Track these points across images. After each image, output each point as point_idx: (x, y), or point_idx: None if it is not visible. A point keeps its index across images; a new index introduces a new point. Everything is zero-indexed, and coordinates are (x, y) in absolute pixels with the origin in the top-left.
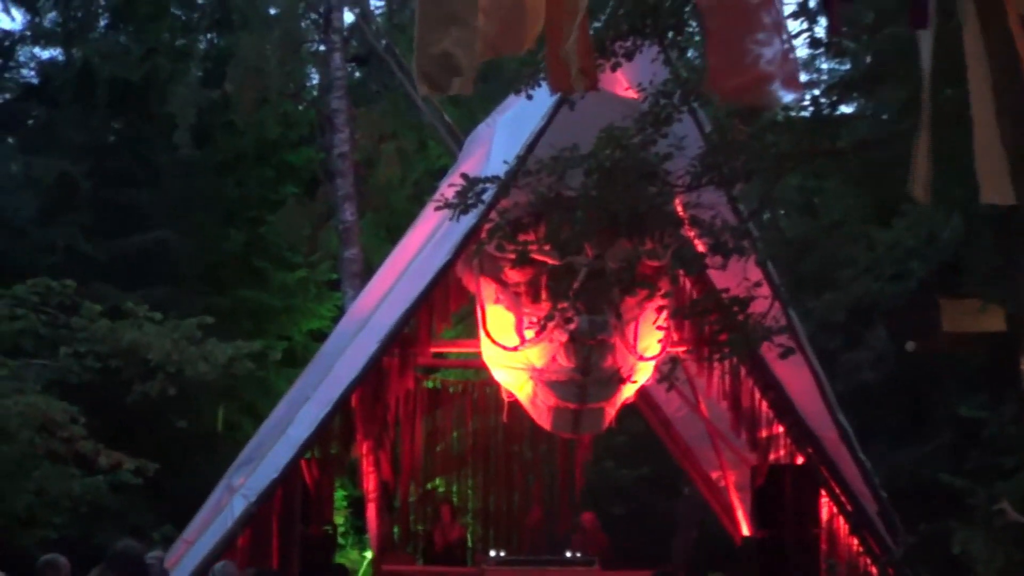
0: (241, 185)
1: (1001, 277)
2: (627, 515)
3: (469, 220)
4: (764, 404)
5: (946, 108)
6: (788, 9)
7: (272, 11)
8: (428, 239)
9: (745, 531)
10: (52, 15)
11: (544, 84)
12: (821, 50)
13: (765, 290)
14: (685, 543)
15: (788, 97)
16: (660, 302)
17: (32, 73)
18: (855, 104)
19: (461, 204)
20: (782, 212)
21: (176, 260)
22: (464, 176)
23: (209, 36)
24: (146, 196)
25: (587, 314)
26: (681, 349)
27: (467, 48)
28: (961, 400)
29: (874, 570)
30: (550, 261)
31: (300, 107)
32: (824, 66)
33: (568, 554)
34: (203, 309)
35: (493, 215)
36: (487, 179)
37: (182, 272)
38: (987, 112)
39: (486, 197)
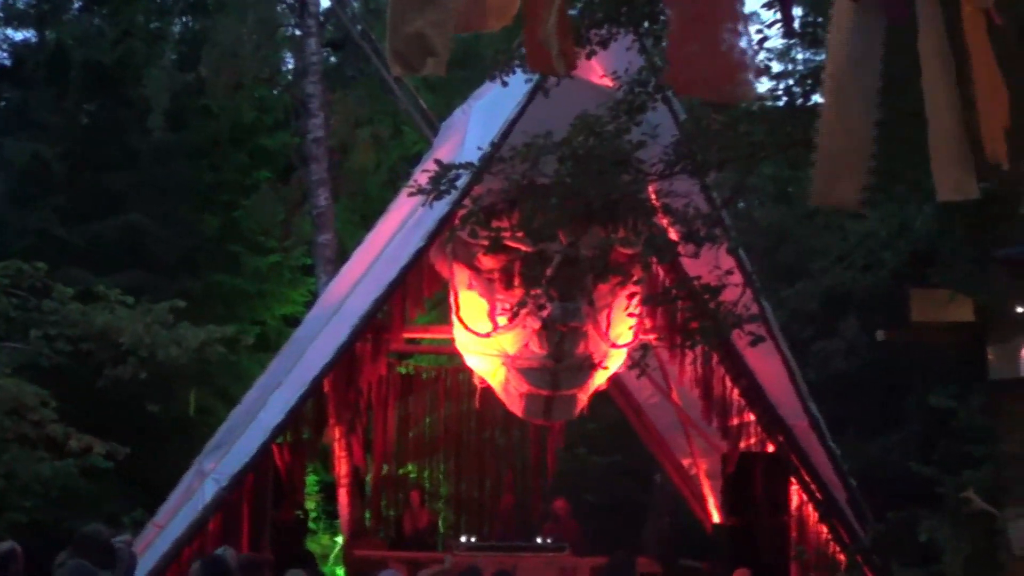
0: (215, 169)
1: (972, 268)
2: (599, 502)
3: (443, 206)
4: (735, 392)
5: (917, 99)
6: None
7: None
8: (402, 225)
9: (716, 518)
10: None
11: (519, 71)
12: (796, 40)
13: (737, 278)
14: (657, 530)
15: (748, 93)
16: (632, 289)
17: (5, 55)
18: None
19: (434, 190)
20: (756, 201)
21: (150, 244)
22: (437, 162)
23: (184, 19)
24: (120, 180)
25: (560, 301)
26: (653, 337)
27: (441, 29)
28: (931, 390)
29: (842, 557)
30: (523, 248)
31: (275, 92)
32: (799, 55)
33: (539, 540)
34: (176, 293)
35: (467, 201)
36: (460, 165)
37: (155, 256)
38: (942, 106)
39: (460, 183)
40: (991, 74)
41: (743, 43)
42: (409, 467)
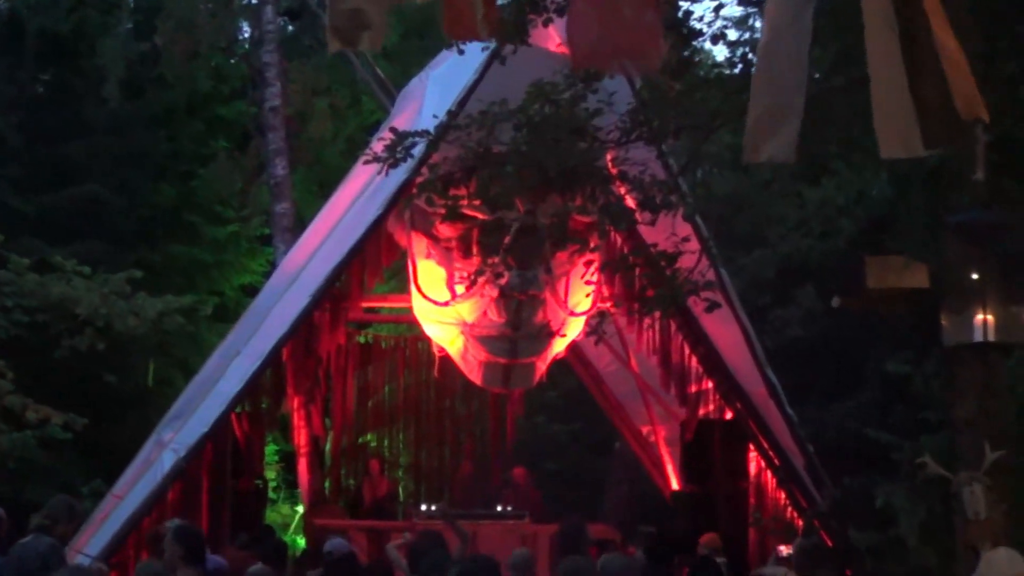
0: (172, 139)
1: (926, 234)
2: (559, 470)
3: (400, 175)
4: (694, 360)
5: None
6: None
7: None
8: (360, 194)
9: (675, 485)
10: None
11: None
12: (752, 8)
13: (694, 245)
14: (616, 498)
15: (654, 63)
16: (590, 257)
17: None
18: None
19: (389, 158)
20: (713, 170)
21: (106, 215)
22: (393, 130)
23: None
24: (76, 150)
25: (518, 269)
26: (611, 304)
27: (377, 4)
28: (888, 356)
29: (800, 523)
30: (481, 216)
31: (232, 61)
32: (757, 23)
33: (499, 508)
34: (134, 264)
35: (425, 170)
36: (416, 133)
37: (112, 227)
38: (884, 65)
39: (416, 152)
40: (949, 36)
41: (649, 15)
42: (369, 436)
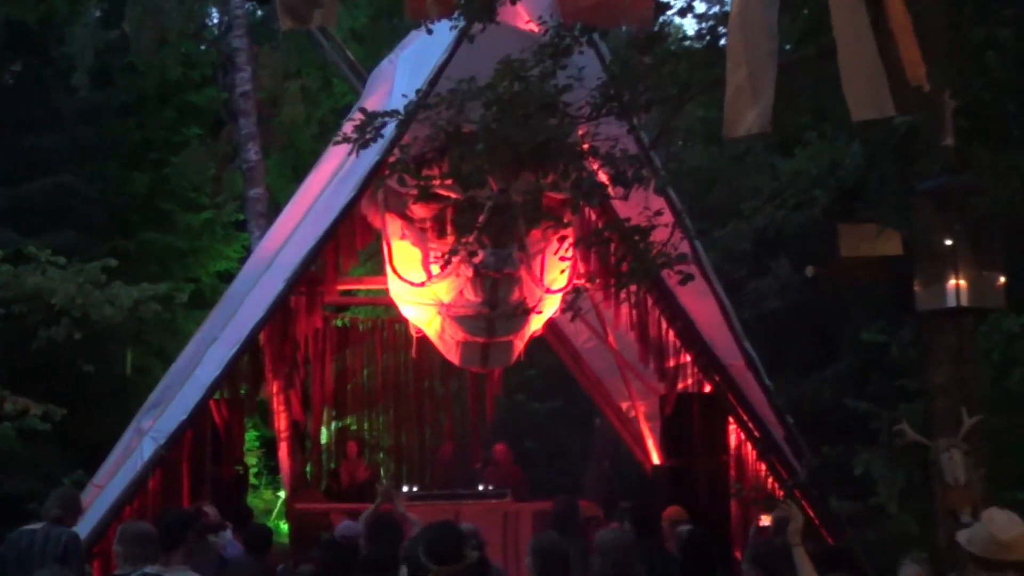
0: (143, 127)
1: (898, 201)
2: (540, 448)
3: (372, 156)
4: (671, 334)
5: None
6: None
7: None
8: (333, 177)
9: (655, 460)
10: None
11: (445, 19)
12: None
13: (667, 219)
14: (598, 474)
15: (647, 16)
16: (563, 233)
17: None
18: None
19: (360, 139)
20: (685, 143)
21: (79, 204)
22: (362, 110)
23: None
24: (47, 140)
25: (492, 248)
26: (587, 280)
27: None
28: (864, 325)
29: (781, 494)
30: (454, 195)
31: (201, 47)
32: None
33: (481, 487)
34: (108, 253)
35: (397, 150)
36: (385, 113)
37: (86, 216)
38: (851, 29)
39: (386, 132)
40: (898, 2)
41: None
42: (348, 419)
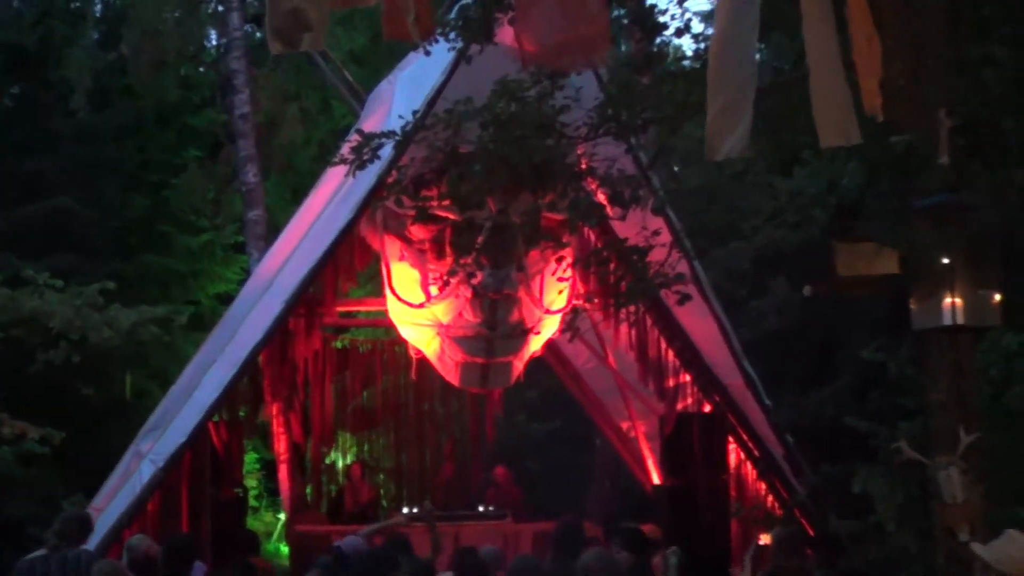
0: (142, 150)
1: (895, 220)
2: (540, 469)
3: (370, 178)
4: (670, 354)
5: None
6: None
7: None
8: (331, 198)
9: (656, 480)
10: None
11: (441, 40)
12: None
13: (665, 238)
14: (598, 494)
15: (600, 60)
16: (562, 254)
17: None
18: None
19: (356, 160)
20: (680, 165)
21: (77, 227)
22: (359, 131)
23: None
24: (46, 163)
25: (491, 268)
26: (585, 300)
27: (317, 4)
28: (863, 343)
29: (780, 513)
30: (452, 216)
31: (200, 69)
32: None
33: (481, 509)
34: (107, 275)
35: (395, 172)
36: (382, 134)
37: (84, 239)
38: (822, 56)
39: (384, 153)
40: (867, 27)
41: (594, 8)
42: (349, 441)
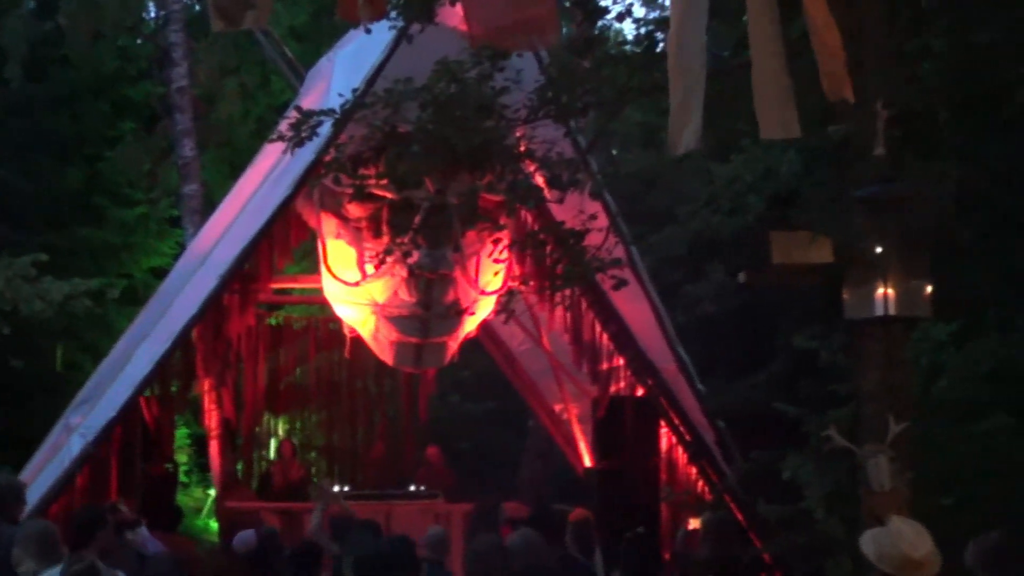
0: (78, 121)
1: (831, 209)
2: (473, 449)
3: (308, 155)
4: (605, 337)
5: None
6: None
7: None
8: (269, 174)
9: (587, 462)
10: None
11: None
12: None
13: (602, 223)
14: (531, 475)
15: (552, 39)
16: (498, 235)
17: None
18: None
19: (295, 137)
20: (620, 148)
21: (10, 198)
22: (298, 109)
23: None
24: None
25: (428, 248)
26: (521, 282)
27: None
28: (796, 330)
29: (710, 498)
30: (390, 196)
31: (138, 41)
32: (666, 1)
33: (412, 488)
34: (41, 248)
35: (333, 150)
36: (321, 112)
37: (16, 210)
38: (765, 49)
39: (323, 131)
40: (824, 14)
41: None
42: (280, 418)
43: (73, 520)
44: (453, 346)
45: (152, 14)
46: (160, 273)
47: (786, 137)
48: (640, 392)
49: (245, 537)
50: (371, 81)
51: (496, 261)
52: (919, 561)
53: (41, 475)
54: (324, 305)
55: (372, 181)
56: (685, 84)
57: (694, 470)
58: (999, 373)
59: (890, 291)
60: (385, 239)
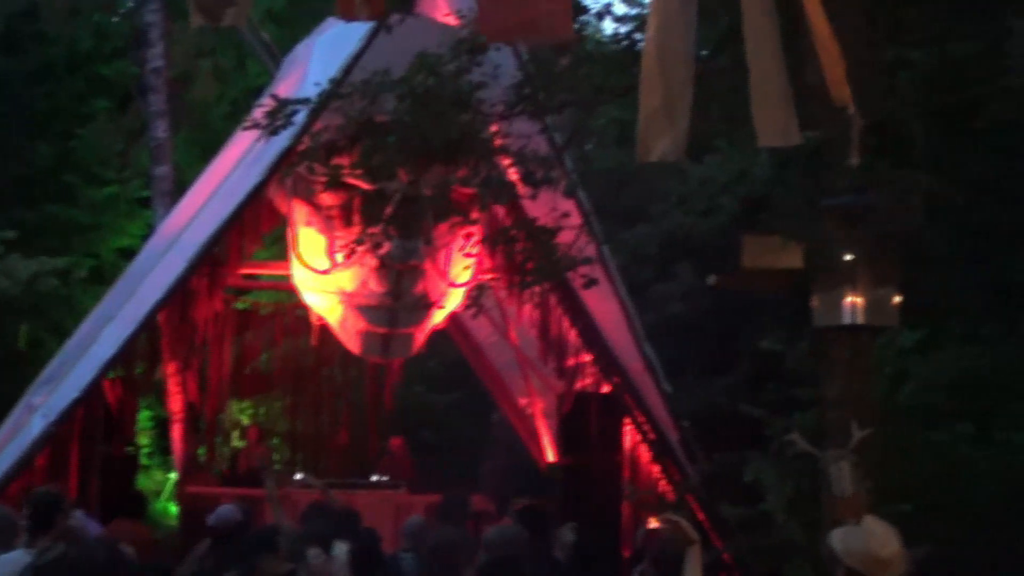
0: (50, 97)
1: (802, 215)
2: (437, 440)
3: (282, 142)
4: (572, 333)
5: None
6: None
7: None
8: (241, 159)
9: (550, 457)
10: None
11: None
12: None
13: (574, 220)
14: (493, 469)
15: (566, 32)
16: (470, 229)
17: None
18: None
19: (270, 125)
20: (593, 145)
21: None
22: (274, 96)
23: None
24: None
25: (399, 239)
26: (491, 277)
27: None
28: (763, 334)
29: (672, 497)
30: (363, 185)
31: (114, 19)
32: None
33: (375, 478)
34: (7, 224)
35: (307, 137)
36: (297, 100)
37: None
38: (764, 54)
39: (298, 119)
40: (822, 21)
41: None
42: (245, 404)
43: (30, 504)
44: (420, 337)
45: None
46: (128, 254)
47: (785, 145)
48: (606, 389)
49: (226, 512)
50: (348, 70)
51: (467, 255)
52: (886, 560)
53: (2, 455)
54: (292, 292)
55: (346, 170)
56: (667, 89)
57: (657, 468)
58: (961, 382)
59: (858, 299)
60: (356, 228)
